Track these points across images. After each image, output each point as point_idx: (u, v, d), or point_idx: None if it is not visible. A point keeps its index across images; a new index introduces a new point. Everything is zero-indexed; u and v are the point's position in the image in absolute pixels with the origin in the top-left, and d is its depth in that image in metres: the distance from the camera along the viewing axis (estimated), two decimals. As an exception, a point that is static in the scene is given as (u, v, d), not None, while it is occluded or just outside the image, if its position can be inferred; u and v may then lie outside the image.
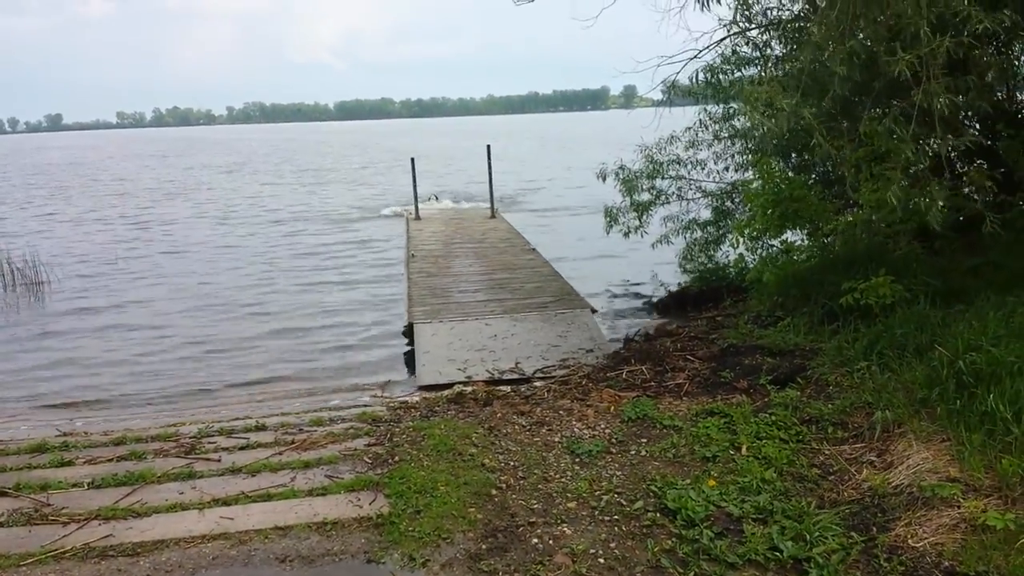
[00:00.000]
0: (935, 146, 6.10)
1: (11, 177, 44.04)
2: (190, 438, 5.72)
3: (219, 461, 5.20)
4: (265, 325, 10.55)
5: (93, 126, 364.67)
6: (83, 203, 27.78)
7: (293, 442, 5.48)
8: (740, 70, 8.69)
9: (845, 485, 4.36)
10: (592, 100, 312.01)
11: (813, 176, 8.25)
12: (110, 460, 5.34)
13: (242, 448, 5.44)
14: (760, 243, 7.99)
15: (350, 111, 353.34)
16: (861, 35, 5.59)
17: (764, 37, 8.23)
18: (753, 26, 8.04)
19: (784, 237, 7.86)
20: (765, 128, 5.50)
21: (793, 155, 8.93)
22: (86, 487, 4.89)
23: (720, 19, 7.62)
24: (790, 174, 7.75)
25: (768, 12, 7.69)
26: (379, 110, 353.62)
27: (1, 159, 70.99)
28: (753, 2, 7.10)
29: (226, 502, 4.54)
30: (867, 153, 5.84)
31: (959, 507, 3.80)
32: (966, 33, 5.16)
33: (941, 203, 5.36)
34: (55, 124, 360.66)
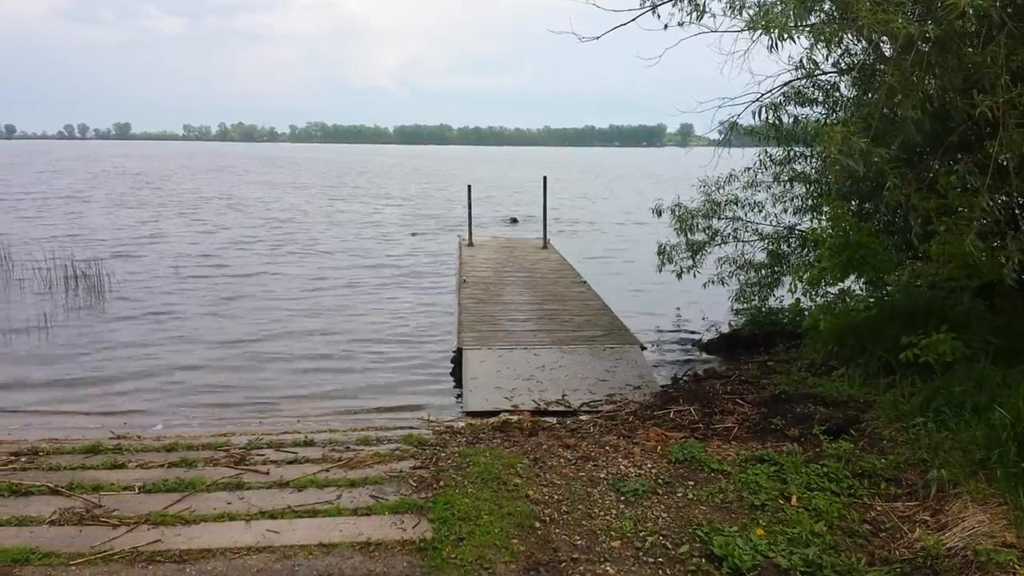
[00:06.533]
0: (1004, 199, 5.98)
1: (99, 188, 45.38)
2: (240, 449, 5.81)
3: (267, 474, 5.27)
4: (317, 341, 10.71)
5: (160, 137, 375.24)
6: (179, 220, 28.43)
7: (340, 460, 5.53)
8: (807, 107, 8.64)
9: (897, 543, 4.25)
10: (648, 137, 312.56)
11: (876, 224, 8.12)
12: (161, 466, 5.45)
13: (290, 462, 5.51)
14: (818, 290, 7.88)
15: (408, 135, 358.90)
16: (935, 82, 5.53)
17: (833, 80, 8.19)
18: (821, 70, 8.01)
19: (842, 285, 7.74)
20: (842, 166, 5.44)
21: (854, 202, 8.83)
22: (137, 491, 4.99)
23: (790, 58, 7.61)
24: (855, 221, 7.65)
25: (839, 59, 7.67)
26: (437, 136, 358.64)
27: (84, 164, 73.22)
28: (823, 47, 7.07)
29: (272, 515, 4.59)
30: (938, 205, 5.74)
31: (1014, 574, 3.68)
32: None
33: (1017, 258, 5.23)
34: (123, 133, 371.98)
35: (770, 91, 8.19)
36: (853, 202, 8.80)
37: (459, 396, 8.02)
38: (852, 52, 7.62)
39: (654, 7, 7.68)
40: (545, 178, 18.80)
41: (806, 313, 8.14)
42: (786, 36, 5.76)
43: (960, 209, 5.69)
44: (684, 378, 8.21)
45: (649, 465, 5.39)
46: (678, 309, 12.98)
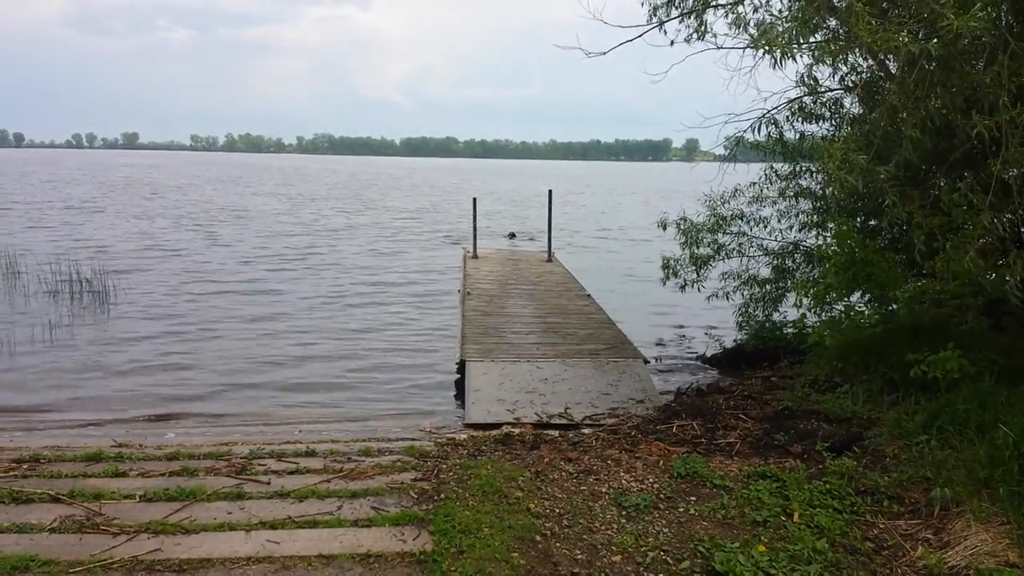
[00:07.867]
0: (1009, 217, 5.97)
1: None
2: (241, 458, 5.80)
3: (268, 484, 5.26)
4: (321, 352, 10.73)
5: (167, 147, 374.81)
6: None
7: (341, 470, 5.52)
8: (813, 123, 8.65)
9: (899, 562, 4.22)
10: (653, 151, 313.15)
11: (881, 241, 8.10)
12: (162, 474, 5.44)
13: (291, 473, 5.50)
14: (823, 306, 7.86)
15: (415, 148, 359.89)
16: (937, 102, 5.53)
17: (838, 97, 8.21)
18: (826, 87, 8.03)
19: (847, 302, 7.72)
20: (841, 182, 5.45)
21: (860, 218, 8.82)
22: (138, 499, 4.98)
23: (797, 72, 7.64)
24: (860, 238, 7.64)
25: (845, 76, 7.69)
26: (443, 148, 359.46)
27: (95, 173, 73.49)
28: (827, 64, 7.09)
29: (273, 526, 4.59)
30: (943, 223, 5.74)
31: (1017, 594, 3.66)
32: None
33: (1021, 276, 5.21)
34: (131, 142, 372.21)
35: (776, 107, 8.22)
36: (858, 219, 8.79)
37: (461, 408, 8.01)
38: (859, 70, 7.64)
39: (660, 23, 7.73)
40: (551, 191, 18.78)
41: (810, 329, 8.12)
42: (788, 55, 5.78)
43: (966, 226, 5.68)
44: (687, 393, 8.19)
45: (651, 480, 5.37)
46: (682, 324, 12.97)
